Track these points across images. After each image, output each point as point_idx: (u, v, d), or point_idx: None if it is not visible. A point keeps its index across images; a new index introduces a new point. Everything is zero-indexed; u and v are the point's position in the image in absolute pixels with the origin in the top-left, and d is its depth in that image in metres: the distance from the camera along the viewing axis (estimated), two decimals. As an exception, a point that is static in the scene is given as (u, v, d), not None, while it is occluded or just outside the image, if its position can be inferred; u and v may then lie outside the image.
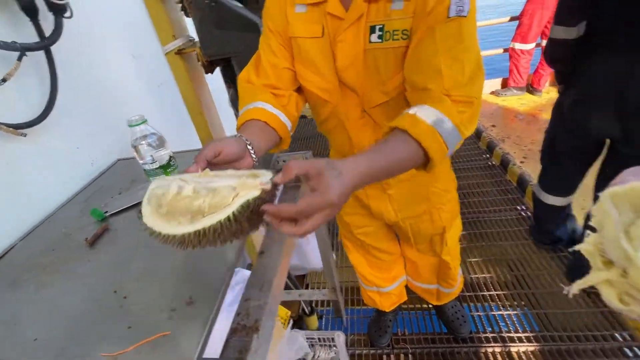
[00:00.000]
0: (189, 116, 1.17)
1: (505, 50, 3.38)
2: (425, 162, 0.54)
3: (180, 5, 0.96)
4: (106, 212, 0.79)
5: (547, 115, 2.98)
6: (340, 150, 0.90)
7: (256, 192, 0.41)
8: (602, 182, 1.27)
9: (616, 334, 1.27)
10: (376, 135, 0.80)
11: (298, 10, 0.68)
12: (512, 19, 3.26)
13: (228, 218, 0.40)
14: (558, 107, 1.32)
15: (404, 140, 0.51)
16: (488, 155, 2.57)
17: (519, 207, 2.00)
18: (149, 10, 0.99)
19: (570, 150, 1.33)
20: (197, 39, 0.99)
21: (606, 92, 1.10)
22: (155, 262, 0.63)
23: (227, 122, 1.38)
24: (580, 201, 1.67)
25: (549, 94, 3.31)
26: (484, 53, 3.61)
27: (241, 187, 0.42)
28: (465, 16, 0.56)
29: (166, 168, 0.65)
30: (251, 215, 0.41)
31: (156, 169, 0.64)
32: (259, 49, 0.74)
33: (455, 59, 0.57)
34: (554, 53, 1.25)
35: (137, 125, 0.61)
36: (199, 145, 1.22)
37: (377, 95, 0.70)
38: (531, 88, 3.40)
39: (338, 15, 0.64)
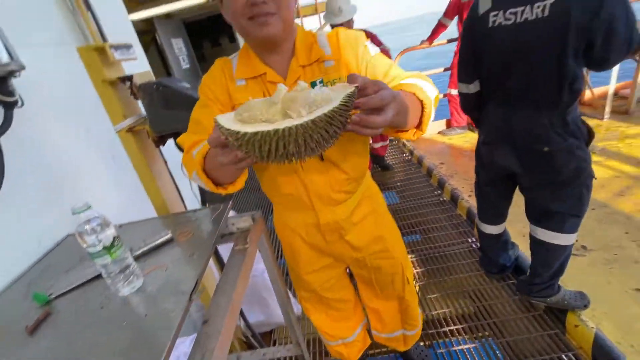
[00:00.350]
0: (142, 186, 1.21)
1: (445, 95, 3.80)
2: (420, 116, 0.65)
3: (129, 90, 1.06)
4: (50, 294, 0.79)
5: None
6: (290, 203, 0.92)
7: (352, 88, 0.46)
8: (527, 211, 1.44)
9: (563, 355, 1.36)
10: (332, 179, 0.86)
11: (239, 83, 0.79)
12: (446, 69, 3.72)
13: (340, 106, 0.43)
14: (476, 147, 1.53)
15: (403, 92, 0.62)
16: (439, 192, 2.77)
17: (469, 240, 2.15)
18: (99, 94, 1.07)
19: (488, 183, 1.53)
20: (146, 116, 1.08)
21: (501, 135, 1.32)
22: (97, 342, 0.64)
23: (181, 183, 1.44)
24: (520, 228, 1.85)
25: (487, 131, 3.71)
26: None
27: (334, 90, 0.48)
28: (379, 52, 0.80)
29: (110, 248, 0.69)
30: (349, 108, 0.46)
31: (100, 250, 0.68)
32: (194, 119, 0.79)
33: (399, 70, 0.77)
34: (463, 104, 1.49)
35: (81, 212, 0.65)
36: (154, 214, 1.25)
37: None
38: (471, 127, 3.80)
39: (277, 82, 0.74)
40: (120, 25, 1.59)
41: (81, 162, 1.15)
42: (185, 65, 6.20)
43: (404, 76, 0.74)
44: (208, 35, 8.82)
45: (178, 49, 6.05)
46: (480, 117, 1.44)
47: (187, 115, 1.09)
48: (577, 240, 1.90)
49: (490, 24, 1.20)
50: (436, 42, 3.66)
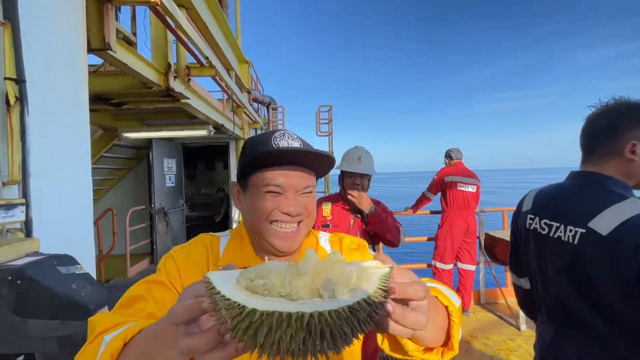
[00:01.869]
0: None
1: (429, 265, 3.55)
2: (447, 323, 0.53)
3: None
4: None
5: (477, 344, 2.81)
6: None
7: (386, 269, 0.36)
8: None
9: None
10: None
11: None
12: (429, 239, 3.60)
13: (380, 291, 0.33)
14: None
15: None
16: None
17: None
18: None
19: None
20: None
21: None
22: None
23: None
24: None
25: (476, 314, 3.29)
26: (410, 266, 3.76)
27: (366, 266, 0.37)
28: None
29: None
30: (387, 295, 0.34)
31: None
32: (134, 295, 0.58)
33: None
34: (517, 295, 1.21)
35: None
36: None
37: None
38: (462, 308, 3.39)
39: None
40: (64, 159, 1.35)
41: None
42: (169, 183, 6.14)
43: None
44: (203, 158, 9.29)
45: (168, 168, 6.10)
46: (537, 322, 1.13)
47: (52, 327, 0.67)
48: None
49: (528, 225, 1.06)
50: (420, 211, 3.67)
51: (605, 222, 0.83)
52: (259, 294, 0.31)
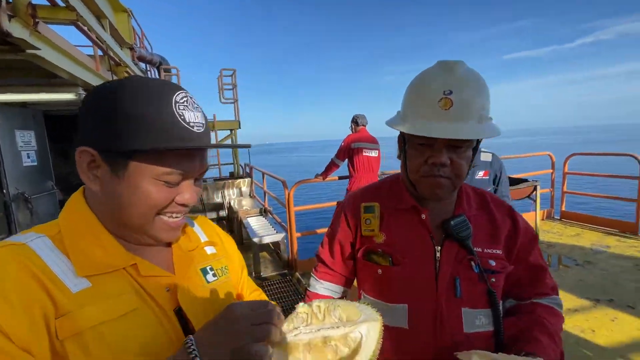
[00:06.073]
0: None
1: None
2: None
3: None
4: None
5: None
6: None
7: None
8: None
9: None
10: None
11: (77, 288, 0.46)
12: (339, 203, 3.77)
13: None
14: None
15: None
16: None
17: None
18: None
19: None
20: None
21: None
22: None
23: None
24: None
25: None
26: (324, 230, 3.89)
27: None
28: None
29: None
30: None
31: None
32: None
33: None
34: None
35: None
36: None
37: None
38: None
39: (162, 276, 0.54)
40: None
41: None
42: (28, 161, 4.87)
43: (252, 286, 0.79)
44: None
45: (23, 143, 4.80)
46: None
47: None
48: None
49: None
50: (329, 177, 3.78)
51: None
52: None
